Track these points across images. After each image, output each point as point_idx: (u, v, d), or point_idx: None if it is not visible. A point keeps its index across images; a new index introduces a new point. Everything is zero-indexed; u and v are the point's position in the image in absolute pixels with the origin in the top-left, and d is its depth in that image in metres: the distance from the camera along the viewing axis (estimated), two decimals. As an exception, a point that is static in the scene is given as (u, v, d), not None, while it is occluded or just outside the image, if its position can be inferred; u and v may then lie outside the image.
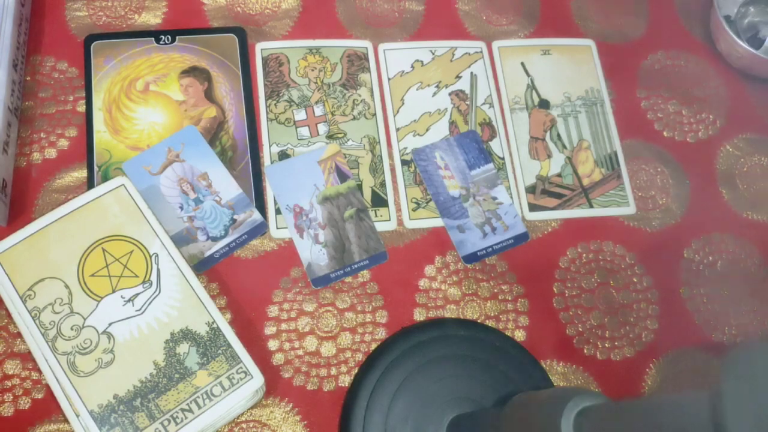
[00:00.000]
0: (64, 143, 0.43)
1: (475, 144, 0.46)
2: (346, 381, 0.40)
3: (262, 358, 0.39)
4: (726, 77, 0.51)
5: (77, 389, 0.36)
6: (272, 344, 0.40)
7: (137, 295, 0.38)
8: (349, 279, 0.42)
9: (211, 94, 0.45)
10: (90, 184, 0.42)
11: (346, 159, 0.45)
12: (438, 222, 0.44)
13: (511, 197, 0.45)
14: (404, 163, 0.45)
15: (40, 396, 0.37)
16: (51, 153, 0.43)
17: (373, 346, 0.41)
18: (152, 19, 0.47)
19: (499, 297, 0.43)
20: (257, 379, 0.37)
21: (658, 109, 0.50)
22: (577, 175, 0.46)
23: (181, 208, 0.41)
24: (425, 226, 0.44)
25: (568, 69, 0.50)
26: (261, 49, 0.47)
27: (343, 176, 0.44)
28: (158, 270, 0.39)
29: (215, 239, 0.41)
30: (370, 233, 0.43)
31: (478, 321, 0.42)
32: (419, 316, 0.42)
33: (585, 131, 0.48)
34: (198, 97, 0.45)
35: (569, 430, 0.25)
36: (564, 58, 0.50)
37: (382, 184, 0.45)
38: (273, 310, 0.41)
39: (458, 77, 0.48)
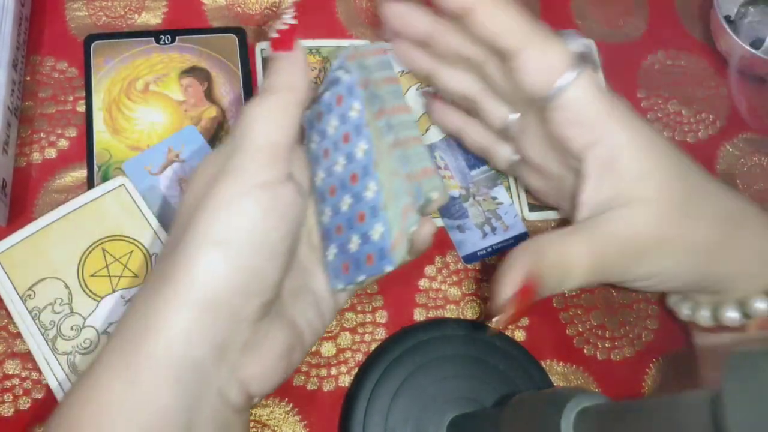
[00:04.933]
0: (64, 143, 0.43)
1: (475, 144, 0.46)
2: (346, 381, 0.40)
3: (262, 358, 0.39)
4: (726, 77, 0.51)
5: (77, 389, 0.36)
6: (272, 344, 0.40)
7: (137, 295, 0.38)
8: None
9: (211, 94, 0.45)
10: (90, 184, 0.42)
11: (346, 159, 0.45)
12: (438, 222, 0.44)
13: (511, 197, 0.45)
14: (404, 163, 0.45)
15: (39, 396, 0.37)
16: (51, 153, 0.43)
17: (373, 346, 0.41)
18: (152, 19, 0.47)
19: (499, 297, 0.43)
20: (257, 379, 0.37)
21: (658, 109, 0.50)
22: (577, 175, 0.46)
23: (181, 208, 0.41)
24: (425, 226, 0.44)
25: (568, 69, 0.50)
26: (261, 49, 0.47)
27: (343, 176, 0.44)
28: (158, 270, 0.39)
29: (215, 239, 0.41)
30: (370, 233, 0.43)
31: (478, 321, 0.42)
32: (419, 316, 0.42)
33: (585, 131, 0.48)
34: (198, 97, 0.45)
35: (569, 430, 0.25)
36: (564, 58, 0.50)
37: (382, 184, 0.44)
38: (273, 310, 0.41)
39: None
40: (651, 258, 0.31)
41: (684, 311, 0.37)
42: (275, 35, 0.30)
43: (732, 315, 0.33)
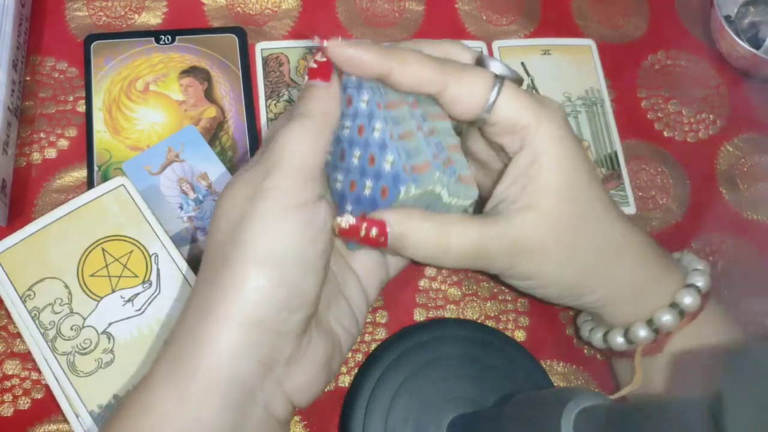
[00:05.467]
0: (64, 143, 0.43)
1: (475, 144, 0.46)
2: (346, 381, 0.40)
3: (262, 358, 0.39)
4: (726, 77, 0.51)
5: (77, 389, 0.36)
6: (272, 344, 0.40)
7: (137, 295, 0.38)
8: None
9: (211, 94, 0.45)
10: (90, 184, 0.42)
11: (346, 159, 0.45)
12: (438, 222, 0.44)
13: (511, 197, 0.45)
14: (404, 163, 0.45)
15: (39, 396, 0.37)
16: (51, 153, 0.43)
17: (373, 346, 0.41)
18: (152, 19, 0.47)
19: (499, 297, 0.43)
20: (257, 380, 0.37)
21: (658, 109, 0.50)
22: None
23: (181, 208, 0.41)
24: (425, 226, 0.44)
25: (568, 69, 0.50)
26: (261, 49, 0.47)
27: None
28: (158, 270, 0.39)
29: (215, 239, 0.41)
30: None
31: (478, 321, 0.42)
32: (419, 316, 0.42)
33: (585, 131, 0.48)
34: (198, 97, 0.45)
35: (569, 430, 0.25)
36: (564, 58, 0.50)
37: (382, 184, 0.44)
38: (273, 310, 0.41)
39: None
40: (527, 262, 0.33)
41: (585, 332, 0.39)
42: (314, 66, 0.32)
43: (618, 340, 0.36)
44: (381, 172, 0.31)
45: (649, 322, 0.34)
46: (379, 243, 0.31)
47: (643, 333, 0.34)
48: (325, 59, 0.32)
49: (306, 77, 0.32)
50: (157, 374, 0.29)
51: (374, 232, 0.31)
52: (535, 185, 0.32)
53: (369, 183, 0.31)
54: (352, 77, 0.32)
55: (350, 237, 0.31)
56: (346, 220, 0.31)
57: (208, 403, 0.28)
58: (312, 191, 0.30)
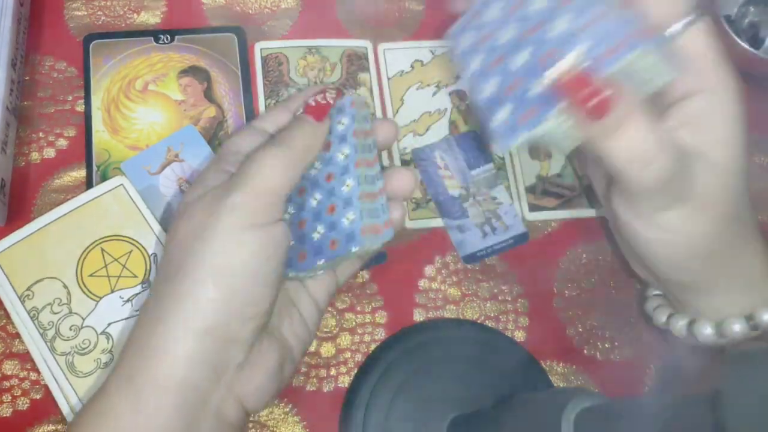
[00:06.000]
0: (62, 143, 0.43)
1: (475, 144, 0.46)
2: (345, 382, 0.40)
3: (261, 358, 0.39)
4: (726, 77, 0.51)
5: (76, 390, 0.36)
6: (271, 344, 0.40)
7: (136, 295, 0.38)
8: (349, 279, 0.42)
9: (210, 93, 0.45)
10: (89, 183, 0.42)
11: (346, 159, 0.45)
12: (438, 222, 0.44)
13: (511, 197, 0.45)
14: (404, 163, 0.45)
15: (38, 396, 0.37)
16: (50, 153, 0.43)
17: (373, 346, 0.41)
18: (151, 18, 0.47)
19: (499, 297, 0.43)
20: (256, 380, 0.37)
21: (658, 109, 0.50)
22: (577, 175, 0.46)
23: (180, 208, 0.41)
24: (425, 227, 0.44)
25: (568, 69, 0.50)
26: (260, 48, 0.47)
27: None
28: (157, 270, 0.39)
29: (214, 239, 0.41)
30: (370, 233, 0.43)
31: (478, 321, 0.42)
32: (419, 316, 0.42)
33: (585, 131, 0.48)
34: (197, 97, 0.45)
35: (569, 430, 0.25)
36: (564, 57, 0.50)
37: (382, 184, 0.44)
38: (272, 311, 0.41)
39: (458, 77, 0.48)
40: (679, 211, 0.32)
41: (660, 317, 0.38)
42: (312, 103, 0.34)
43: (707, 331, 0.34)
44: (338, 224, 0.32)
45: (749, 318, 0.33)
46: (597, 113, 0.27)
47: (737, 327, 0.33)
48: (324, 102, 0.33)
49: (301, 110, 0.34)
50: (113, 382, 0.30)
51: (604, 96, 0.27)
52: (712, 136, 0.31)
53: (321, 229, 0.32)
54: (340, 127, 0.33)
55: (573, 91, 0.27)
56: (571, 68, 0.27)
57: (163, 409, 0.29)
58: (274, 214, 0.31)
